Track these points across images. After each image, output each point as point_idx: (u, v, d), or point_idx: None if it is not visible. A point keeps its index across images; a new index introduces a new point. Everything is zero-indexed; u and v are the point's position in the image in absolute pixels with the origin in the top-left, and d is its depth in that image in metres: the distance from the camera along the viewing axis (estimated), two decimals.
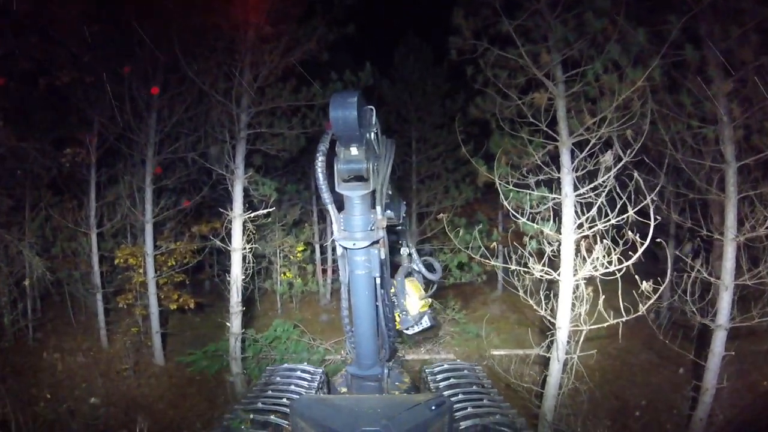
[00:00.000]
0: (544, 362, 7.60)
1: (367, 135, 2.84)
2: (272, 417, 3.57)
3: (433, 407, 2.68)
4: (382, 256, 3.12)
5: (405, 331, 3.89)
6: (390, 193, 3.43)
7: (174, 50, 7.03)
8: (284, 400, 3.84)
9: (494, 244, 10.01)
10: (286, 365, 4.90)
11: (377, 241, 3.05)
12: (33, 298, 10.53)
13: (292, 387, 4.13)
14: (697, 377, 6.85)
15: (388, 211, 3.52)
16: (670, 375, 8.46)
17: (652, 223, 4.34)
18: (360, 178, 2.87)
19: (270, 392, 4.05)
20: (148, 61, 8.32)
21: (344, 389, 3.92)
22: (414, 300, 3.82)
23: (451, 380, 4.20)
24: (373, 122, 2.91)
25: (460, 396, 3.84)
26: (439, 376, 4.30)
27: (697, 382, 6.78)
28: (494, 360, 9.28)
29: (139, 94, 8.51)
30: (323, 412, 2.69)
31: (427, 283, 4.02)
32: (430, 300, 3.96)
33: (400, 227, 4.02)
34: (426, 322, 3.90)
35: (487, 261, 6.06)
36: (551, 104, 5.72)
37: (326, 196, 2.94)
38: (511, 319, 12.32)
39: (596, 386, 6.99)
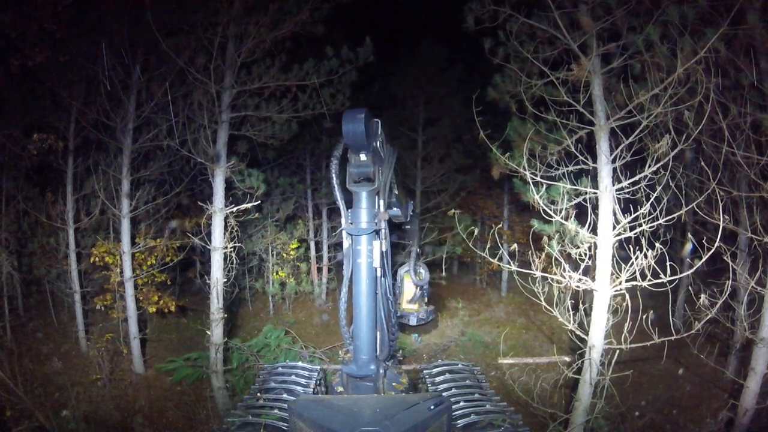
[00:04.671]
0: (555, 370, 6.85)
1: (374, 143, 3.37)
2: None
3: (432, 407, 2.72)
4: (384, 248, 3.53)
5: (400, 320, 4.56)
6: (396, 193, 3.99)
7: (148, 21, 6.14)
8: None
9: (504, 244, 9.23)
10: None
11: (378, 232, 3.50)
12: (9, 297, 9.78)
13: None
14: (734, 396, 6.16)
15: (395, 210, 4.04)
16: (707, 394, 7.67)
17: (721, 224, 3.50)
18: (368, 179, 3.45)
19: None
20: (125, 37, 7.55)
21: (340, 389, 3.97)
22: (407, 296, 4.58)
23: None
24: (379, 133, 3.46)
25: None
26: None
27: (734, 401, 6.08)
28: (503, 371, 8.56)
29: (116, 75, 7.66)
30: (322, 412, 2.72)
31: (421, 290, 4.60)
32: (416, 305, 4.58)
33: (407, 227, 4.63)
34: (412, 321, 4.73)
35: (506, 266, 5.21)
36: (584, 82, 4.83)
37: (338, 193, 3.51)
38: (518, 323, 11.68)
39: (627, 410, 6.19)
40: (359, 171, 3.43)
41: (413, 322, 5.29)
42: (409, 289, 5.07)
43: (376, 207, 3.53)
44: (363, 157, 3.37)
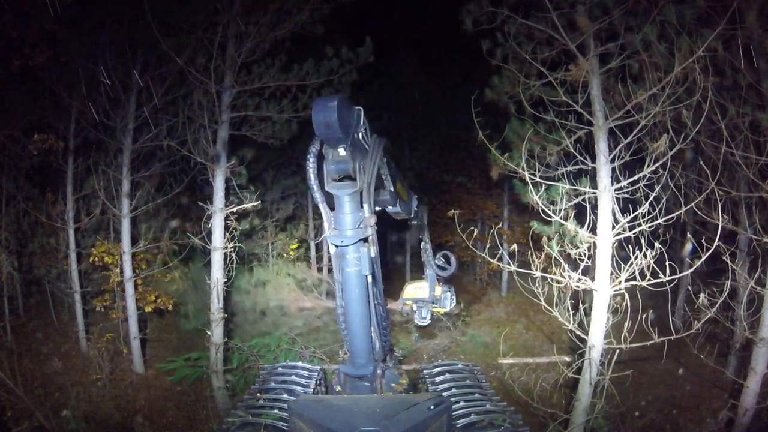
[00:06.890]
0: (555, 370, 6.86)
1: (355, 135, 2.96)
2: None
3: (432, 407, 2.70)
4: (372, 254, 3.24)
5: (449, 310, 4.82)
6: (392, 190, 3.61)
7: (148, 21, 6.16)
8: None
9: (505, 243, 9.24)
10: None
11: (366, 240, 3.19)
12: (9, 297, 9.79)
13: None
14: (734, 396, 6.17)
15: (393, 207, 3.75)
16: (707, 394, 7.67)
17: (721, 224, 3.51)
18: (350, 178, 3.03)
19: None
20: (125, 37, 7.57)
21: (339, 388, 3.99)
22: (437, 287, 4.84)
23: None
24: (361, 122, 3.02)
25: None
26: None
27: (734, 401, 6.08)
28: (503, 371, 8.57)
29: (116, 75, 7.68)
30: (322, 412, 2.71)
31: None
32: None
33: (414, 222, 4.36)
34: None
35: (506, 266, 5.22)
36: (582, 83, 4.85)
37: (317, 195, 3.14)
38: (518, 323, 11.68)
39: (627, 410, 6.18)
40: (338, 168, 3.00)
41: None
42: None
43: (362, 211, 3.18)
44: (342, 151, 2.93)
